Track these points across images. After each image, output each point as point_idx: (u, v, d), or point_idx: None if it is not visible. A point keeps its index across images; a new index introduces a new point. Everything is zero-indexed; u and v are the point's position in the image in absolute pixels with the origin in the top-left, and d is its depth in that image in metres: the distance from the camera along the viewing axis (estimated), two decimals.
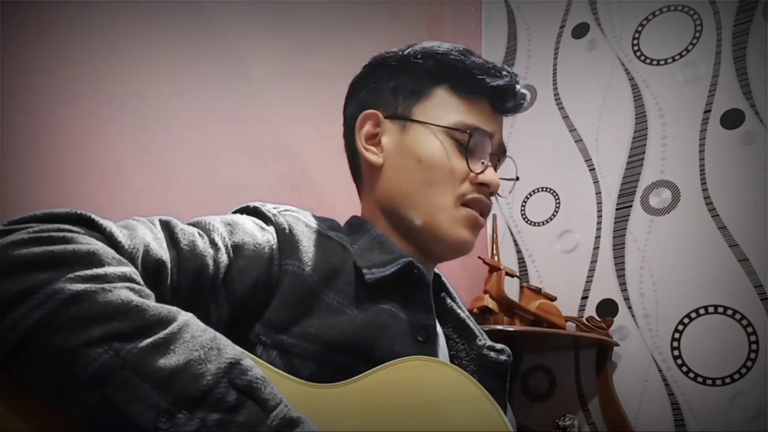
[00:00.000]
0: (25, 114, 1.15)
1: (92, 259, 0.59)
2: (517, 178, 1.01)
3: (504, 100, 0.92)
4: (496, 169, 0.95)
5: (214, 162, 1.45)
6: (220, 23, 1.52)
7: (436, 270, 0.97)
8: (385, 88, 0.93)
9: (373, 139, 0.93)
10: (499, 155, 0.95)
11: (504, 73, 0.92)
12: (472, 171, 0.89)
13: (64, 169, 1.19)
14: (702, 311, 1.80)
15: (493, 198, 0.93)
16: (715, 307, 1.79)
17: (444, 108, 0.90)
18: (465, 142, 0.88)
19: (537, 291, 1.88)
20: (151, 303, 0.59)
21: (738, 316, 1.75)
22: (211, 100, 1.48)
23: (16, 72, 1.14)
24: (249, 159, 1.52)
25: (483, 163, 0.90)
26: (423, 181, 0.88)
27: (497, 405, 0.67)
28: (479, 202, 0.90)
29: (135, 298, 0.58)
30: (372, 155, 0.92)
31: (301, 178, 1.59)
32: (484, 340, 0.90)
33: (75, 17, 1.25)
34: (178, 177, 1.38)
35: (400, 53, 0.94)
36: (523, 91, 0.94)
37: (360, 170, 0.96)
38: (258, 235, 0.77)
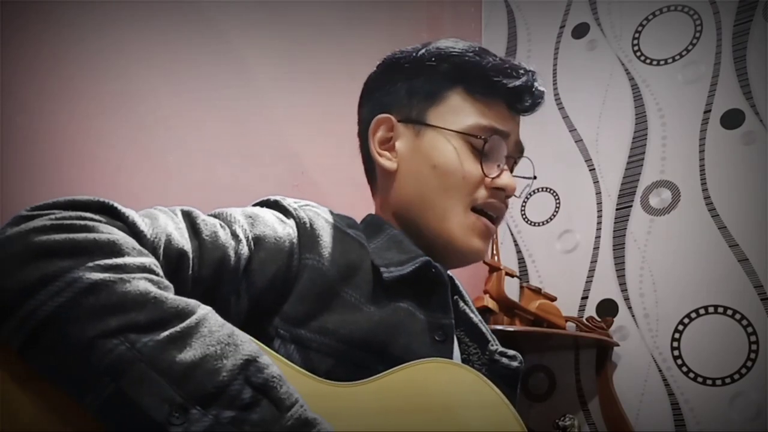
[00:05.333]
0: (25, 114, 1.15)
1: (112, 249, 0.58)
2: (534, 177, 1.00)
3: (521, 100, 0.91)
4: (512, 170, 0.93)
5: (214, 162, 1.45)
6: (220, 23, 1.52)
7: (449, 273, 0.96)
8: (399, 90, 0.92)
9: (387, 143, 0.92)
10: (515, 156, 0.94)
11: (521, 71, 0.90)
12: (487, 176, 0.88)
13: (64, 169, 1.19)
14: (702, 311, 1.80)
15: (507, 201, 0.92)
16: (715, 307, 1.79)
17: (459, 111, 0.89)
18: (480, 146, 0.88)
19: (537, 291, 1.88)
20: (169, 295, 0.59)
21: (738, 316, 1.75)
22: (211, 100, 1.48)
23: (16, 72, 1.14)
24: (249, 159, 1.52)
25: (499, 166, 0.89)
26: (438, 187, 0.87)
27: (514, 410, 0.67)
28: (493, 206, 0.89)
29: (153, 290, 0.58)
30: (386, 161, 0.91)
31: (301, 178, 1.59)
32: (496, 346, 0.90)
33: (75, 17, 1.25)
34: (178, 177, 1.38)
35: (414, 54, 0.92)
36: (541, 89, 0.92)
37: (374, 173, 0.95)
38: (278, 228, 0.77)
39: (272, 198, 0.84)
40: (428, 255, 0.88)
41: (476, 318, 0.94)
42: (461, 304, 0.95)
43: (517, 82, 0.89)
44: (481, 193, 0.88)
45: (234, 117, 1.52)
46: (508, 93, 0.90)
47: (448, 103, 0.90)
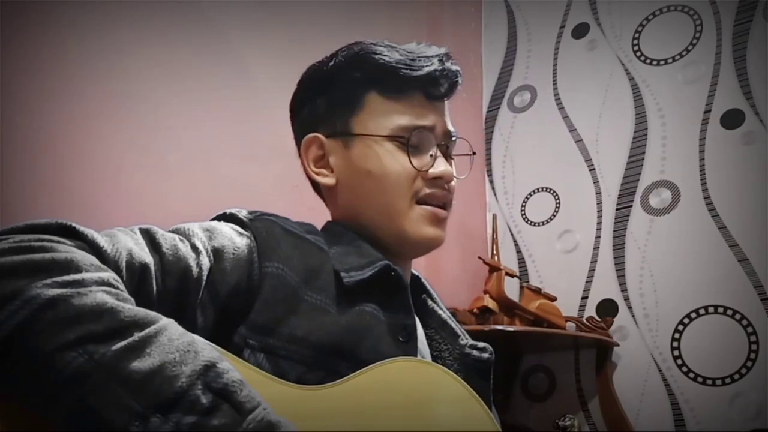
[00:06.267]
0: (25, 114, 1.15)
1: (70, 266, 0.59)
2: (474, 153, 1.00)
3: (437, 85, 0.91)
4: (448, 156, 0.94)
5: (214, 162, 1.45)
6: (220, 23, 1.52)
7: (415, 272, 0.98)
8: (320, 106, 0.93)
9: (321, 160, 0.93)
10: (446, 143, 0.94)
11: (431, 56, 0.90)
12: (419, 170, 0.89)
13: (64, 169, 1.19)
14: (702, 311, 1.80)
15: (451, 185, 0.92)
16: (715, 307, 1.79)
17: (378, 115, 0.90)
18: (405, 143, 0.89)
19: (537, 291, 1.88)
20: (126, 306, 0.59)
21: (738, 316, 1.75)
22: (211, 100, 1.48)
23: (16, 72, 1.14)
24: (249, 159, 1.52)
25: (431, 156, 0.90)
26: (377, 191, 0.89)
27: (484, 404, 0.67)
28: (435, 196, 0.90)
29: (110, 301, 0.58)
30: (323, 178, 0.93)
31: (301, 178, 1.58)
32: (466, 340, 0.91)
33: (75, 17, 1.25)
34: (178, 177, 1.38)
35: (325, 67, 0.94)
36: (453, 68, 0.92)
37: (319, 188, 0.97)
38: (237, 239, 0.78)
39: (228, 211, 0.85)
40: (387, 255, 0.89)
41: (445, 314, 0.95)
42: (429, 302, 0.96)
43: (427, 70, 0.89)
44: (420, 185, 0.89)
45: (234, 117, 1.52)
46: (422, 82, 0.90)
47: (366, 108, 0.90)
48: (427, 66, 0.89)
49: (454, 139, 0.94)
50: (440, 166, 0.90)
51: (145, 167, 1.33)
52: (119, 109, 1.30)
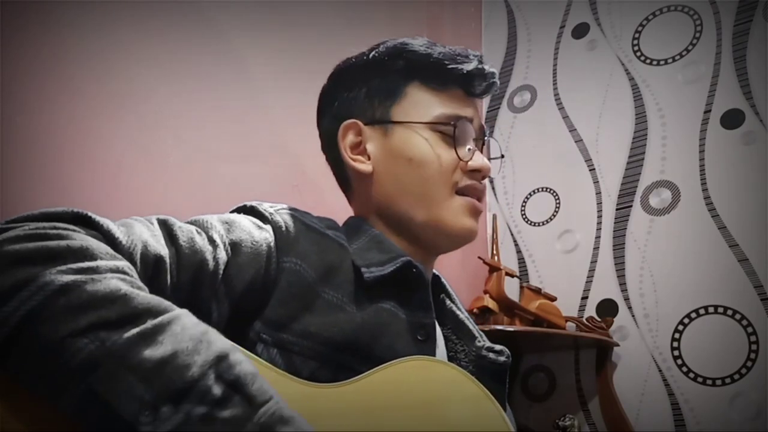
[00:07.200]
0: (25, 114, 1.15)
1: (85, 253, 0.59)
2: (502, 156, 1.01)
3: (476, 83, 0.93)
4: (481, 152, 0.95)
5: (214, 162, 1.45)
6: (220, 23, 1.52)
7: (435, 271, 0.97)
8: (358, 95, 0.93)
9: (358, 147, 0.93)
10: (481, 139, 0.96)
11: (471, 56, 0.93)
12: (462, 160, 0.90)
13: (64, 169, 1.19)
14: (702, 311, 1.80)
15: (485, 182, 0.94)
16: (715, 307, 1.79)
17: (421, 104, 0.91)
18: (451, 132, 0.90)
19: (537, 291, 1.88)
20: (141, 293, 0.58)
21: (738, 316, 1.75)
22: (211, 100, 1.47)
23: (16, 72, 1.14)
24: (249, 159, 1.52)
25: (470, 149, 0.91)
26: (417, 180, 0.89)
27: (498, 404, 0.67)
28: (473, 188, 0.91)
29: (124, 287, 0.57)
30: (360, 164, 0.92)
31: (301, 178, 1.59)
32: (483, 342, 0.90)
33: (75, 17, 1.25)
34: (178, 177, 1.38)
35: (365, 57, 0.95)
36: (492, 70, 0.95)
37: (348, 180, 0.96)
38: (255, 233, 0.77)
39: (248, 204, 0.84)
40: (417, 245, 0.89)
41: (462, 315, 0.95)
42: (448, 302, 0.96)
43: (470, 67, 0.92)
44: (459, 177, 0.90)
45: (234, 117, 1.52)
46: (462, 78, 0.92)
47: (408, 98, 0.92)
48: (468, 63, 0.92)
49: (486, 138, 0.96)
50: (479, 160, 0.91)
51: (145, 167, 1.32)
52: (119, 109, 1.30)
